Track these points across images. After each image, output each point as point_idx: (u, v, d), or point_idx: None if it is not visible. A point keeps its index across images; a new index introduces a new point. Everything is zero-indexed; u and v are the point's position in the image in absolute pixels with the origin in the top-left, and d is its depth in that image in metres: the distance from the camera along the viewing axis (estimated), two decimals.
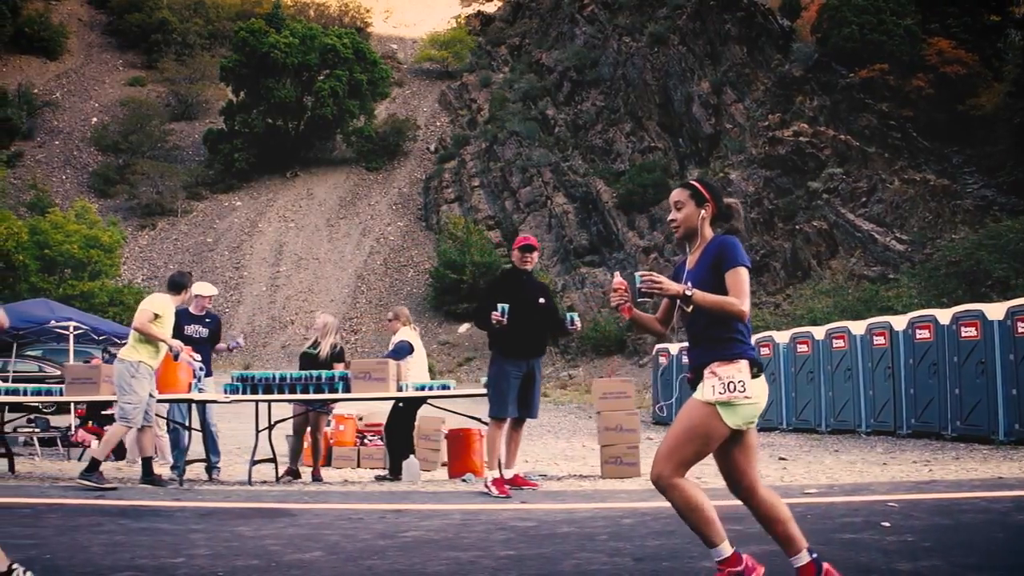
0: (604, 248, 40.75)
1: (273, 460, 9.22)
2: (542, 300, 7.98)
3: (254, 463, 8.65)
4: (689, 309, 3.76)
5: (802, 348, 17.86)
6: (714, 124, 40.62)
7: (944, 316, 14.24)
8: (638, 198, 40.30)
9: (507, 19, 63.98)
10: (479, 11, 67.48)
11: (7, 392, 10.04)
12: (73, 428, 13.18)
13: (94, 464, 8.10)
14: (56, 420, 15.09)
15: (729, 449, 3.71)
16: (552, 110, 48.26)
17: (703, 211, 3.92)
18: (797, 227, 31.64)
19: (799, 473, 9.31)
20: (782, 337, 18.92)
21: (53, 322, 14.55)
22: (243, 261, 45.68)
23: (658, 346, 22.73)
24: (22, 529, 5.76)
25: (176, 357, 8.35)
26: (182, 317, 9.07)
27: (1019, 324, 12.62)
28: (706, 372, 3.67)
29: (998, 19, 39.36)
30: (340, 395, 8.38)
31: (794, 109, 36.70)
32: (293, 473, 9.56)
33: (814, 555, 3.62)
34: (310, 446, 9.89)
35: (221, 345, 9.85)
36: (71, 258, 34.68)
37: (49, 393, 10.03)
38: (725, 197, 4.05)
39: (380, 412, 11.99)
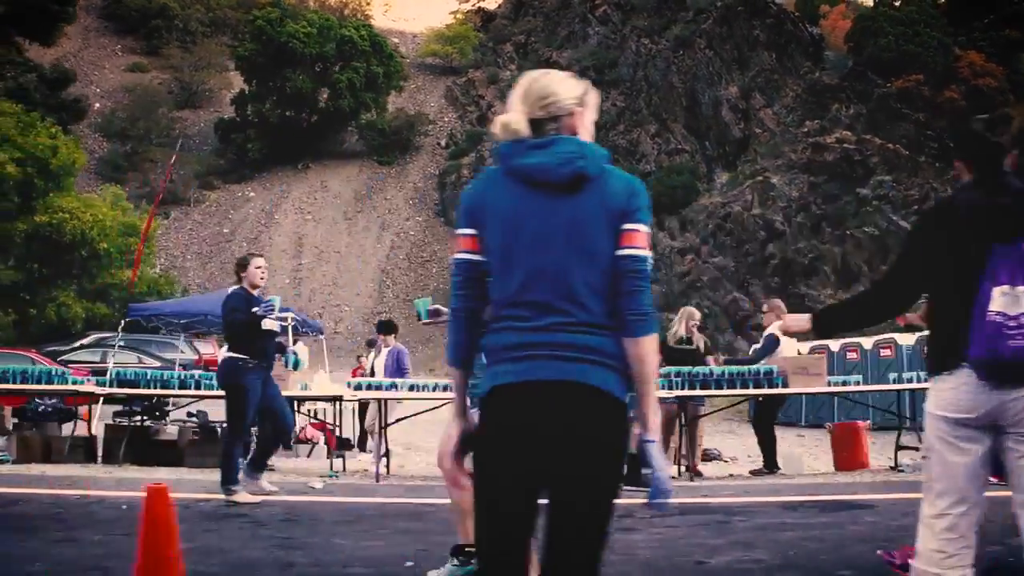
0: None
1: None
2: None
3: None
4: None
5: (885, 352, 18.50)
6: (743, 128, 41.26)
7: None
8: (667, 199, 40.72)
9: (509, 16, 64.06)
10: (479, 7, 67.45)
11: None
12: (298, 427, 13.07)
13: None
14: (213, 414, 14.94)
15: None
16: None
17: None
18: (847, 232, 32.30)
19: None
20: (867, 342, 19.33)
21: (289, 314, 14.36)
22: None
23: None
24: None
25: None
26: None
27: None
28: None
29: (1015, 35, 40.62)
30: (779, 389, 8.59)
31: (830, 116, 37.44)
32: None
33: None
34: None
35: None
36: (112, 246, 33.95)
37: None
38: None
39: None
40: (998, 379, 2.93)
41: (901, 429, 9.82)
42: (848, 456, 9.63)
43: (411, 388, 9.25)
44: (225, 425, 7.58)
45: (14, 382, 9.79)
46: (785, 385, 8.60)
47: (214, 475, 8.88)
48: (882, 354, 17.87)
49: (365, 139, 52.56)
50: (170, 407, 12.85)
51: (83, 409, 12.36)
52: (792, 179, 35.73)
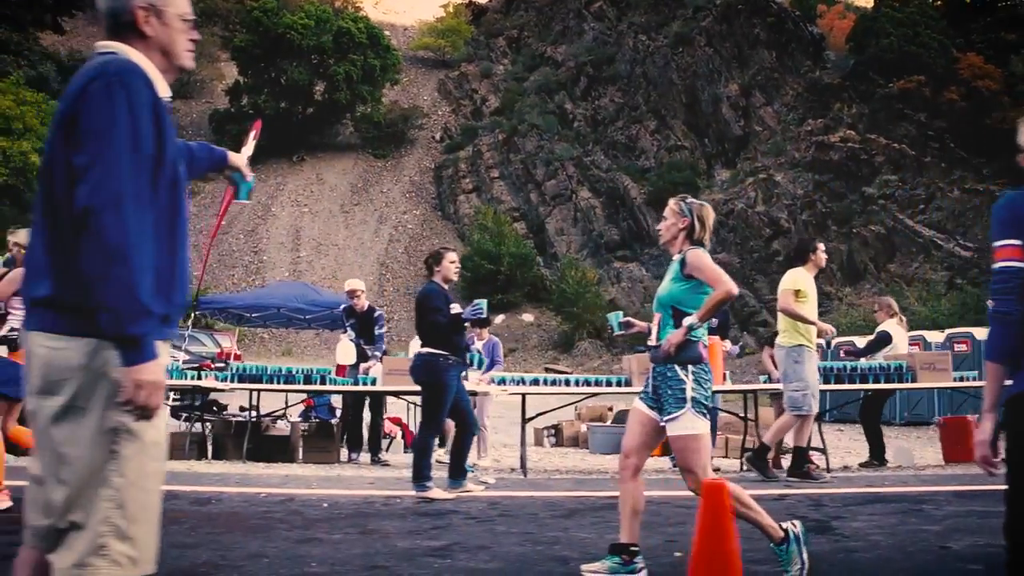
0: (635, 244, 41.41)
1: (823, 450, 9.12)
2: None
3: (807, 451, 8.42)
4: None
5: (960, 347, 18.82)
6: (743, 126, 41.69)
7: None
8: (668, 195, 40.83)
9: (501, 10, 64.14)
10: (471, 0, 67.43)
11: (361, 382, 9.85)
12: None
13: (762, 450, 8.06)
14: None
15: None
16: (570, 105, 48.75)
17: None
18: (853, 231, 32.79)
19: None
20: (934, 336, 19.82)
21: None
22: (260, 245, 44.96)
23: None
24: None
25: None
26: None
27: None
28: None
29: (1012, 38, 41.32)
30: (905, 384, 8.83)
31: (832, 115, 37.95)
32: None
33: None
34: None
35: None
36: None
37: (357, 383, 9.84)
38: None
39: None
40: None
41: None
42: (958, 449, 9.94)
43: (551, 383, 9.38)
44: (420, 422, 7.54)
45: None
46: (914, 380, 8.90)
47: (335, 471, 8.98)
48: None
49: (360, 132, 52.44)
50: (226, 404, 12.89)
51: None
52: (796, 177, 36.18)
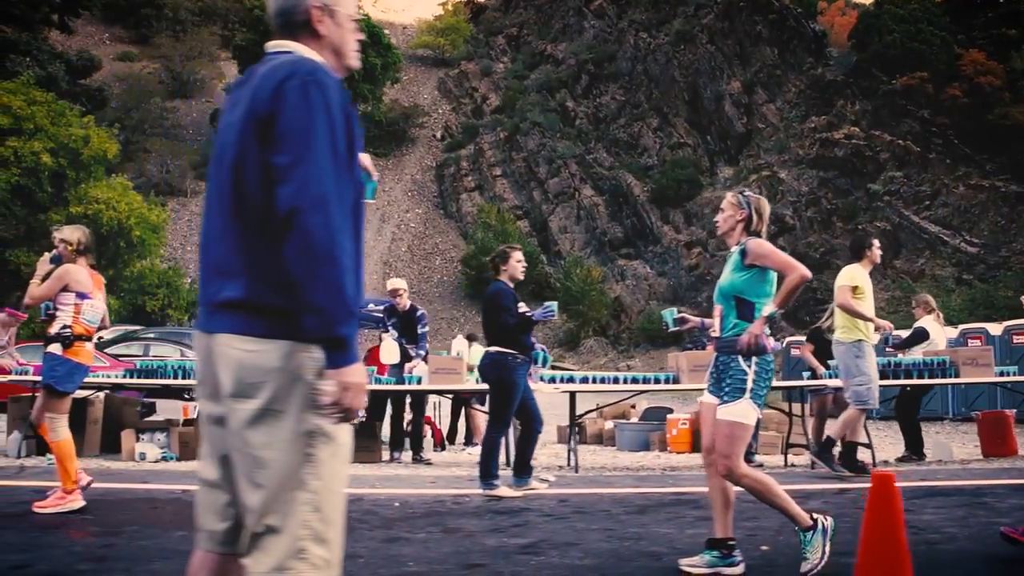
0: (639, 241, 41.48)
1: (868, 445, 9.02)
2: None
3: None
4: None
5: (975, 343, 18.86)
6: (745, 123, 41.78)
7: None
8: (672, 193, 41.18)
9: (500, 8, 64.22)
10: None
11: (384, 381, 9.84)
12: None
13: (828, 444, 8.07)
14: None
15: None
16: (571, 102, 48.80)
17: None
18: (859, 227, 32.89)
19: None
20: (948, 332, 19.84)
21: (371, 306, 14.39)
22: None
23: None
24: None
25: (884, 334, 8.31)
26: None
27: None
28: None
29: (1013, 33, 41.46)
30: (951, 380, 8.96)
31: (835, 112, 38.05)
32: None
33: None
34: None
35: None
36: (125, 237, 33.56)
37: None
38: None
39: None
40: None
41: None
42: (997, 444, 9.99)
43: (598, 381, 9.37)
44: (488, 420, 7.51)
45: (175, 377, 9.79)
46: (957, 375, 8.96)
47: (384, 470, 8.97)
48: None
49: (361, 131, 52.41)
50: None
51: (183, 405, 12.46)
52: (800, 174, 36.27)
